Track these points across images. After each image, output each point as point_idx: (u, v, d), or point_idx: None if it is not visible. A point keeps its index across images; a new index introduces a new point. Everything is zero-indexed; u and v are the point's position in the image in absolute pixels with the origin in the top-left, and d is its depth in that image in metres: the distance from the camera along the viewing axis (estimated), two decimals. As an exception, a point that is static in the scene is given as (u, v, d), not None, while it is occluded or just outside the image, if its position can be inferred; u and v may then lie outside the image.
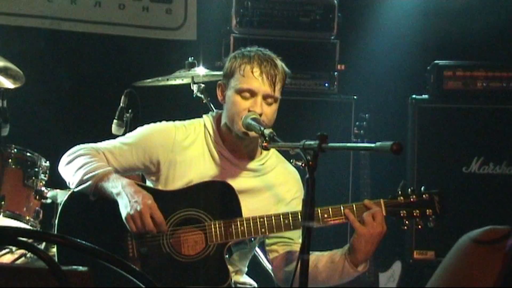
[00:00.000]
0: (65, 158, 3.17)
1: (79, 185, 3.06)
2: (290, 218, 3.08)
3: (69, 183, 3.14)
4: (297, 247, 3.15)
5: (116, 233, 3.05)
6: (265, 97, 3.11)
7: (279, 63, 3.19)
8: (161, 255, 3.05)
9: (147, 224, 2.94)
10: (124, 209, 2.96)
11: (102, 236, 3.07)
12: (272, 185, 3.26)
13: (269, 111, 3.11)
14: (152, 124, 3.28)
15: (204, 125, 3.27)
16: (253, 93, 3.10)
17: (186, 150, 3.21)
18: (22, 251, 4.14)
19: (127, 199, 2.96)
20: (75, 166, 3.09)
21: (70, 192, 3.14)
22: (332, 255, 3.11)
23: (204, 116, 3.33)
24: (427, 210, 3.11)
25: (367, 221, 2.99)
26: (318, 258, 3.13)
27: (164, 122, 3.29)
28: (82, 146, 3.19)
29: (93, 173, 3.03)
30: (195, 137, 3.24)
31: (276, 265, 3.26)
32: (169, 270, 3.04)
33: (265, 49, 3.23)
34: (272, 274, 3.32)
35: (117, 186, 3.00)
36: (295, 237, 3.21)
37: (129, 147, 3.18)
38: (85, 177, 3.04)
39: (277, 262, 3.25)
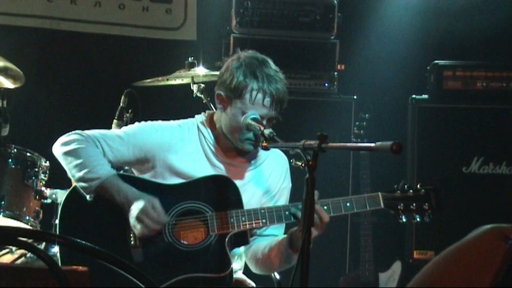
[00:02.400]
0: (62, 147, 3.16)
1: (78, 182, 3.10)
2: (291, 209, 3.12)
3: (66, 170, 3.17)
4: (262, 240, 3.28)
5: (118, 222, 3.09)
6: (270, 119, 3.15)
7: (283, 78, 3.20)
8: (163, 245, 3.08)
9: (151, 226, 3.03)
10: (130, 219, 3.05)
11: (104, 225, 3.12)
12: (263, 177, 3.31)
13: (269, 126, 3.14)
14: (149, 122, 3.29)
15: (198, 126, 3.28)
16: (260, 117, 3.12)
17: (181, 149, 3.23)
18: (22, 251, 4.14)
19: (131, 208, 3.04)
20: (75, 160, 3.11)
21: (74, 184, 3.17)
22: (279, 246, 3.18)
23: (196, 116, 3.35)
24: (424, 205, 3.16)
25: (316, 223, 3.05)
26: (271, 250, 3.21)
27: (160, 121, 3.30)
28: (79, 134, 3.18)
29: (94, 175, 3.06)
30: (190, 137, 3.26)
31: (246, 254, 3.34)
32: (171, 259, 3.09)
33: (267, 59, 3.21)
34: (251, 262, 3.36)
35: (118, 196, 3.07)
36: (280, 234, 3.29)
37: (126, 143, 3.20)
38: (86, 176, 3.07)
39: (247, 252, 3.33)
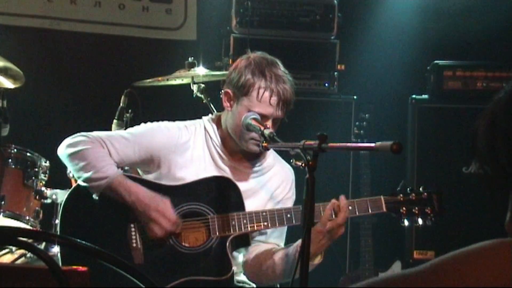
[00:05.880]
0: (67, 148, 3.15)
1: (86, 182, 3.08)
2: (293, 212, 3.10)
3: (73, 175, 3.17)
4: (265, 246, 3.26)
5: (120, 224, 3.09)
6: (275, 120, 3.14)
7: (291, 79, 3.19)
8: (165, 247, 3.07)
9: (166, 228, 3.02)
10: (144, 219, 3.04)
11: (105, 226, 3.11)
12: (268, 185, 3.30)
13: (274, 128, 3.13)
14: (155, 123, 3.28)
15: (205, 127, 3.28)
16: (265, 116, 3.11)
17: (187, 151, 3.22)
18: (22, 251, 4.13)
19: (143, 209, 3.03)
20: (82, 160, 3.09)
21: (75, 185, 3.16)
22: (287, 248, 3.16)
23: (204, 118, 3.34)
24: (426, 209, 3.15)
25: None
26: (276, 251, 3.19)
27: (166, 122, 3.29)
28: (84, 135, 3.17)
29: (103, 175, 3.05)
30: (196, 138, 3.25)
31: (246, 261, 3.30)
32: (172, 261, 3.08)
33: (277, 61, 3.21)
34: (243, 268, 3.33)
35: (129, 195, 3.05)
36: (282, 243, 3.30)
37: (132, 144, 3.19)
38: (94, 176, 3.05)
39: (247, 259, 3.29)
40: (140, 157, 3.19)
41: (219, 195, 3.13)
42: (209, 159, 3.23)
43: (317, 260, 3.10)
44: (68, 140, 3.17)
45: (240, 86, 3.14)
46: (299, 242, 3.06)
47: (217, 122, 3.28)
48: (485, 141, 1.55)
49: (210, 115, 3.37)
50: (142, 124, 3.30)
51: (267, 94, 3.11)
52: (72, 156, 3.13)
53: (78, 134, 3.18)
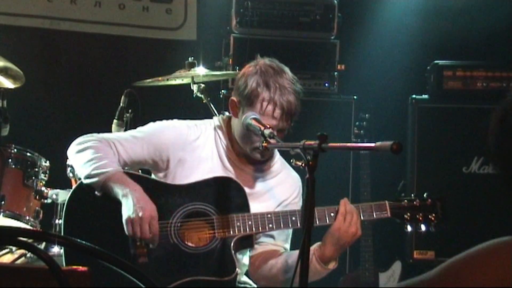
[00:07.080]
0: (75, 146, 3.17)
1: (87, 179, 3.08)
2: (297, 215, 3.10)
3: (77, 173, 3.17)
4: (273, 247, 3.24)
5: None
6: (279, 130, 3.13)
7: (297, 89, 3.15)
8: (168, 246, 3.06)
9: (143, 231, 2.97)
10: (127, 211, 2.99)
11: (109, 225, 3.08)
12: (275, 190, 3.28)
13: (280, 137, 3.10)
14: (164, 121, 3.29)
15: (215, 127, 3.27)
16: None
17: (196, 150, 3.22)
18: (22, 251, 4.13)
19: (131, 203, 2.98)
20: (85, 157, 3.10)
21: (79, 182, 3.16)
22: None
23: (214, 118, 3.34)
24: (430, 215, 3.14)
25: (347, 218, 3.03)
26: (290, 254, 3.18)
27: (176, 120, 3.30)
28: (93, 135, 3.18)
29: (102, 170, 3.04)
30: (206, 138, 3.25)
31: (253, 263, 3.28)
32: (175, 261, 3.07)
33: (284, 69, 3.18)
34: (250, 270, 3.33)
35: (124, 188, 3.02)
36: (288, 247, 3.29)
37: (141, 142, 3.19)
38: (93, 172, 3.05)
39: (254, 260, 3.27)
40: (149, 155, 3.19)
41: (224, 195, 3.11)
42: (217, 159, 3.23)
43: (332, 265, 3.08)
44: (77, 140, 3.20)
45: (245, 96, 3.13)
46: (315, 245, 3.06)
47: (227, 123, 3.28)
48: (494, 139, 1.54)
49: (221, 115, 3.36)
50: (151, 123, 3.30)
51: (270, 107, 3.09)
52: (77, 153, 3.14)
53: (88, 134, 3.20)
